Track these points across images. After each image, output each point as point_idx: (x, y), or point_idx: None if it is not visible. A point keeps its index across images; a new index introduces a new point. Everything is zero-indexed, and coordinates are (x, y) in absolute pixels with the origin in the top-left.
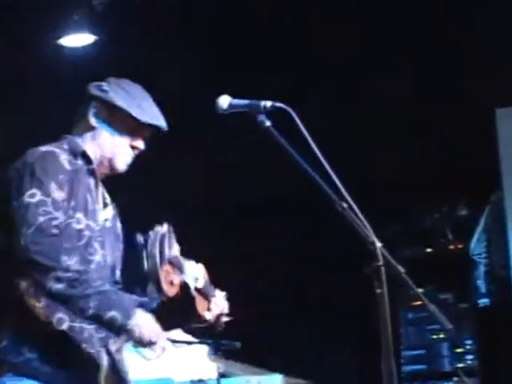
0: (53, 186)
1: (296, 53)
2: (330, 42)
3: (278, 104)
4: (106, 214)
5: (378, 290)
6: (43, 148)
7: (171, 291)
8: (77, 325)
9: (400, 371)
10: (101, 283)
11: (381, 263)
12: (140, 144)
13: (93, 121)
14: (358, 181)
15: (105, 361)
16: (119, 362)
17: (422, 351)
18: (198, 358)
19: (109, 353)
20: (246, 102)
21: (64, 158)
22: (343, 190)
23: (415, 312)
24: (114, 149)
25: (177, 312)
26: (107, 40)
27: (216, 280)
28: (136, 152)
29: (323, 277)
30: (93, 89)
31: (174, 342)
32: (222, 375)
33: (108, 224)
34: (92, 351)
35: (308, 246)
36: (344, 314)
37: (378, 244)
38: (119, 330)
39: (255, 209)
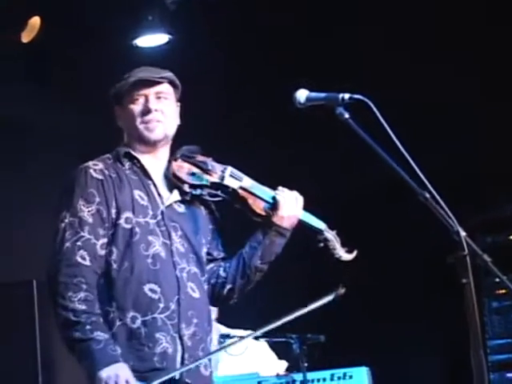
0: (80, 204)
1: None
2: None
3: (357, 96)
4: (173, 199)
5: (464, 280)
6: (81, 165)
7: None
8: (149, 317)
9: (486, 361)
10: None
11: (466, 252)
12: (149, 104)
13: (119, 123)
14: (438, 170)
15: (178, 346)
16: (192, 347)
17: (509, 340)
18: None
19: (181, 338)
20: (323, 94)
21: (96, 169)
22: (425, 181)
23: (500, 300)
24: (134, 124)
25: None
26: (181, 39)
27: None
28: (154, 114)
29: (406, 268)
30: None
31: (257, 337)
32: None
33: (180, 209)
34: (167, 338)
35: (389, 238)
36: (426, 306)
37: (463, 233)
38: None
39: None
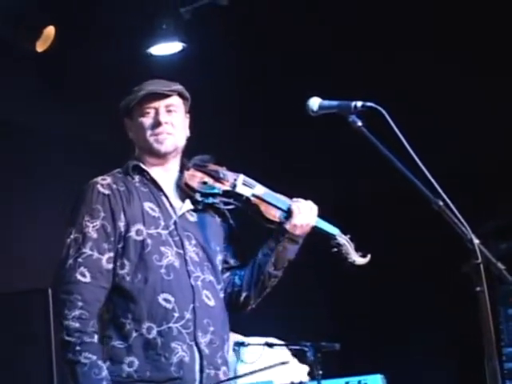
0: (85, 220)
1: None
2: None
3: (369, 103)
4: (185, 208)
5: (478, 288)
6: (90, 181)
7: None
8: (164, 327)
9: (502, 369)
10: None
11: (480, 261)
12: (159, 117)
13: (129, 135)
14: (449, 177)
15: (196, 354)
16: (209, 355)
17: None
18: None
19: (198, 346)
20: (336, 102)
21: (104, 184)
22: (438, 188)
23: None
24: (144, 136)
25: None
26: (195, 47)
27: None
28: (165, 127)
29: (421, 275)
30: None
31: (271, 345)
32: (323, 376)
33: (192, 218)
34: (184, 347)
35: (401, 244)
36: (441, 313)
37: (477, 241)
38: None
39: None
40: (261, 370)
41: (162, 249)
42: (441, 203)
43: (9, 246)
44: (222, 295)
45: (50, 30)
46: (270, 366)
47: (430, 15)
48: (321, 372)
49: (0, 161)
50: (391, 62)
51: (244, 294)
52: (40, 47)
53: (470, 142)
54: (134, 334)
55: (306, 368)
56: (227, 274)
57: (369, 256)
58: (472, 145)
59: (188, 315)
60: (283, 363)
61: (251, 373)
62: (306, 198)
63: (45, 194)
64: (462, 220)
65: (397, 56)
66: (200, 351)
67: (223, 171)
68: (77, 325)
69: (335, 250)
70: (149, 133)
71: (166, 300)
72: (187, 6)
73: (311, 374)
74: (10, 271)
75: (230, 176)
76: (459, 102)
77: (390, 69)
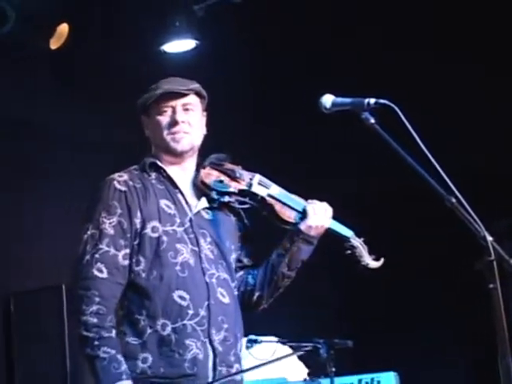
0: (102, 216)
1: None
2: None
3: (382, 100)
4: (201, 206)
5: (491, 285)
6: (107, 177)
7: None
8: (179, 324)
9: None
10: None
11: (493, 258)
12: (176, 116)
13: (146, 132)
14: (464, 174)
15: (209, 352)
16: (223, 352)
17: None
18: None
19: (212, 344)
20: (349, 99)
21: (120, 181)
22: (451, 185)
23: None
24: (161, 135)
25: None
26: (208, 45)
27: None
28: (182, 126)
29: (432, 272)
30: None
31: (284, 342)
32: (336, 373)
33: (207, 216)
34: (198, 344)
35: (415, 242)
36: (453, 311)
37: (490, 238)
38: None
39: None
40: (265, 363)
41: (178, 246)
42: (454, 200)
43: (17, 245)
44: (235, 293)
45: (64, 28)
46: (274, 360)
47: (430, 15)
48: (334, 369)
49: (7, 159)
50: (392, 62)
51: (257, 294)
52: (54, 45)
53: (470, 143)
54: (149, 331)
55: (305, 370)
56: (240, 272)
57: (382, 259)
58: (472, 145)
59: (203, 312)
60: (288, 356)
61: (256, 366)
62: (313, 197)
63: (51, 191)
64: (475, 217)
65: (396, 56)
66: (214, 349)
67: (239, 170)
68: (95, 320)
69: (349, 252)
70: (165, 132)
71: (180, 297)
72: (200, 3)
73: (310, 375)
74: (15, 271)
75: (246, 175)
76: (459, 102)
77: (391, 68)
